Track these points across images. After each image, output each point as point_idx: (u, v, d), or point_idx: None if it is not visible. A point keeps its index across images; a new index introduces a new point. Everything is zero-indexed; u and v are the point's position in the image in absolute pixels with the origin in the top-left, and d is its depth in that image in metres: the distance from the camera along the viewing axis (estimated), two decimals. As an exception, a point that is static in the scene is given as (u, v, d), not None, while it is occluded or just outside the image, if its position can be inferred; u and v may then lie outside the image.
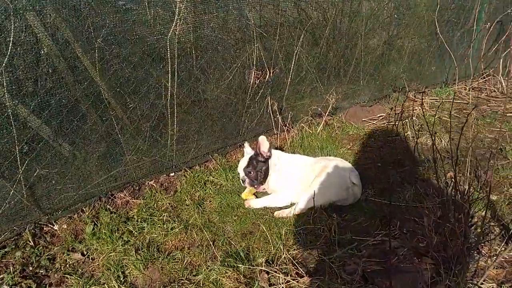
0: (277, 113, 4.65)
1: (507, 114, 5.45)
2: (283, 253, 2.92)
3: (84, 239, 3.27)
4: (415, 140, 3.53)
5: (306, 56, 4.77)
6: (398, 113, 3.18)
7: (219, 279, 2.74)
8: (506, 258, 2.71)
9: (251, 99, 4.43)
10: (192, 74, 3.86)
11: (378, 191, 3.74)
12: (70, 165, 3.38)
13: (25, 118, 3.02)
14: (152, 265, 3.00)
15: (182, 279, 2.82)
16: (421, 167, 4.04)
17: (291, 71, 4.61)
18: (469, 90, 6.38)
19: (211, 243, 3.12)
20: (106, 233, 3.26)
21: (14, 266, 2.96)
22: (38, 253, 3.11)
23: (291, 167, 3.75)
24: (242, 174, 3.73)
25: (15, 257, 3.04)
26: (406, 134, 4.82)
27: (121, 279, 2.87)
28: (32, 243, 3.17)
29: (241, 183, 3.76)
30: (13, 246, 3.14)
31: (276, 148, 4.29)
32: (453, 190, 2.68)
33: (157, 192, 3.82)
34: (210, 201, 3.76)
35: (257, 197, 3.78)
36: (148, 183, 3.94)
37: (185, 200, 3.73)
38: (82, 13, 3.07)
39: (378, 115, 5.58)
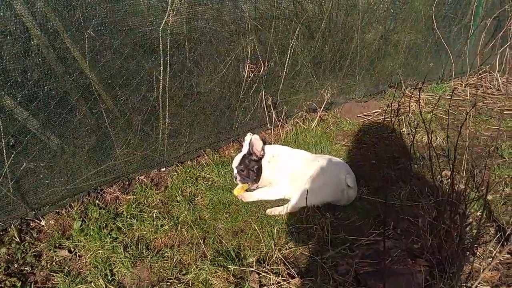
0: (271, 107, 4.57)
1: (504, 112, 5.42)
2: (275, 253, 2.86)
3: (72, 236, 3.19)
4: (412, 137, 3.47)
5: (301, 49, 4.68)
6: (394, 110, 3.12)
7: (209, 278, 2.68)
8: (501, 260, 2.68)
9: (245, 93, 4.34)
10: (185, 66, 3.77)
11: (372, 189, 3.69)
12: (59, 158, 3.29)
13: (11, 109, 2.92)
14: (141, 263, 2.94)
15: (171, 278, 2.76)
16: (416, 165, 3.99)
17: (286, 65, 4.52)
18: (465, 87, 6.33)
19: (202, 241, 3.06)
20: (94, 230, 3.19)
21: (-1, 263, 2.89)
22: (24, 250, 3.04)
23: (288, 159, 3.71)
24: (235, 171, 3.68)
25: (-1, 254, 2.97)
26: (401, 130, 4.76)
27: (109, 277, 2.81)
28: (18, 239, 3.10)
29: (234, 179, 3.71)
30: (-2, 242, 3.06)
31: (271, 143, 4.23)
32: (449, 189, 2.63)
33: (147, 188, 3.74)
34: (201, 198, 3.69)
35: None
36: (139, 178, 3.86)
37: (176, 196, 3.66)
38: (72, 2, 2.97)
39: (374, 111, 5.51)
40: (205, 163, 4.17)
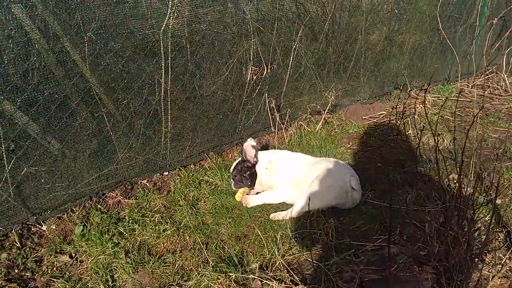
0: (275, 110, 4.52)
1: None
2: (278, 259, 2.81)
3: (73, 241, 3.16)
4: (418, 139, 3.41)
5: (304, 51, 4.63)
6: (400, 112, 3.06)
7: (211, 285, 2.64)
8: (511, 267, 2.61)
9: (248, 96, 4.30)
10: (187, 69, 3.73)
11: (378, 193, 3.62)
12: (60, 163, 3.27)
13: (11, 114, 2.90)
14: (142, 268, 2.90)
15: (172, 285, 2.72)
16: (422, 168, 3.93)
17: (289, 67, 4.47)
18: (472, 88, 6.25)
19: (204, 246, 3.02)
20: (96, 235, 3.16)
21: (-1, 268, 2.86)
22: (24, 255, 3.01)
23: (289, 164, 3.68)
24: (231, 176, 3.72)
25: (0, 259, 2.93)
26: (407, 133, 4.70)
27: (110, 283, 2.78)
28: (18, 244, 3.07)
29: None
30: (-1, 247, 3.03)
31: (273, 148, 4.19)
32: (456, 194, 2.57)
33: (150, 192, 3.70)
34: (204, 202, 3.65)
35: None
36: (141, 182, 3.83)
37: (179, 200, 3.62)
38: (71, 5, 2.94)
39: (379, 113, 5.45)
40: (208, 166, 4.12)
